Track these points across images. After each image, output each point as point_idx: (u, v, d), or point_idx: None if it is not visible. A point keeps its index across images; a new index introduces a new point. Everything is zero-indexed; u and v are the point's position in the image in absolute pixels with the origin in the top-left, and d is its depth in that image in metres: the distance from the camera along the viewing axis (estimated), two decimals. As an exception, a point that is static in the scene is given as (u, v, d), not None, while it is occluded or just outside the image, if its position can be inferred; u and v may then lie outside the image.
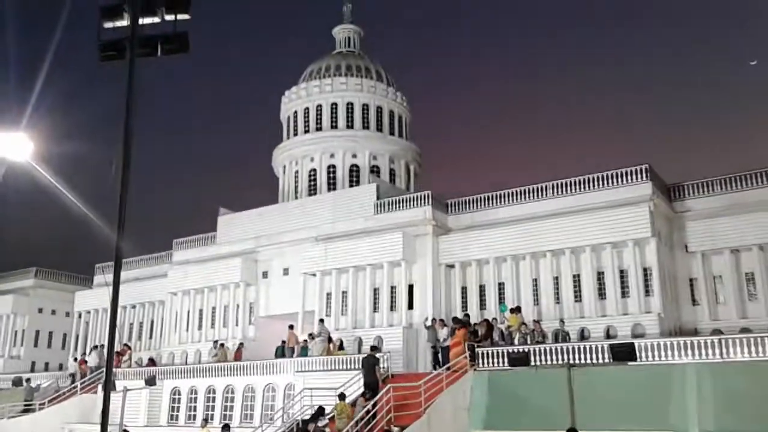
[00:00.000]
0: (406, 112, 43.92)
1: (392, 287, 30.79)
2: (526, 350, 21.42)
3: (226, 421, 24.78)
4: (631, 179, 27.61)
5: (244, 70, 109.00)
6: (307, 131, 41.71)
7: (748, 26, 79.64)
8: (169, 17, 10.76)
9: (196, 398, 30.15)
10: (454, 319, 26.32)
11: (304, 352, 28.60)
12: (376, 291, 31.22)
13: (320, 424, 19.17)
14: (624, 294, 26.66)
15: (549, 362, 21.06)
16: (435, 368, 23.37)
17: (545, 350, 21.67)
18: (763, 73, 79.46)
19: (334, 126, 41.24)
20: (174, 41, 10.83)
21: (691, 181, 28.92)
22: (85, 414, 30.08)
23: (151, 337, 40.27)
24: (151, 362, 35.13)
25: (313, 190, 39.80)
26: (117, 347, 32.98)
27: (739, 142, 79.85)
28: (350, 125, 41.29)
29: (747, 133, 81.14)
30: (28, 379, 34.03)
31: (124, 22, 10.81)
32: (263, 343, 32.65)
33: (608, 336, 25.37)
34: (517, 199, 30.36)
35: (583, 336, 25.93)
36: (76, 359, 37.88)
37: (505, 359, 21.43)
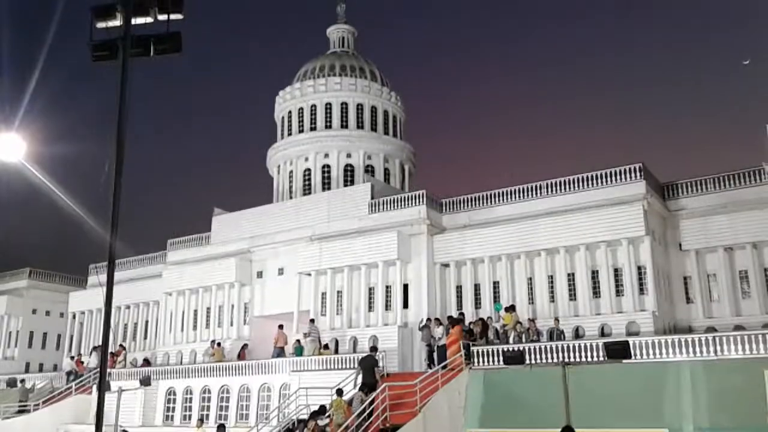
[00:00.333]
0: (400, 111, 43.96)
1: (387, 286, 30.81)
2: (521, 349, 21.48)
3: (222, 421, 24.73)
4: (625, 178, 27.68)
5: (239, 70, 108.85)
6: (301, 131, 41.70)
7: (743, 26, 79.96)
8: (162, 17, 10.73)
9: (191, 398, 30.12)
10: (449, 317, 26.38)
11: (299, 351, 28.64)
12: (371, 290, 31.23)
13: (321, 422, 19.17)
14: (618, 292, 26.73)
15: (544, 361, 21.13)
16: (430, 367, 23.39)
17: (540, 349, 21.73)
18: (755, 72, 79.79)
19: (328, 126, 41.25)
20: (167, 41, 10.80)
21: (685, 180, 29.01)
22: (80, 414, 30.00)
23: (146, 338, 40.17)
24: (146, 362, 35.05)
25: (307, 190, 39.79)
26: (112, 348, 32.99)
27: (733, 140, 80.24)
28: (345, 125, 41.31)
29: (741, 132, 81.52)
30: (22, 380, 33.91)
31: (117, 23, 10.77)
32: (258, 343, 32.62)
33: (603, 334, 25.44)
34: (511, 198, 30.40)
35: (577, 334, 26.01)
36: (72, 357, 37.80)
37: (501, 358, 21.47)
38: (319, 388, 22.48)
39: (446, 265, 30.65)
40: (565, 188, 29.06)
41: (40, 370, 44.35)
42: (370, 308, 31.01)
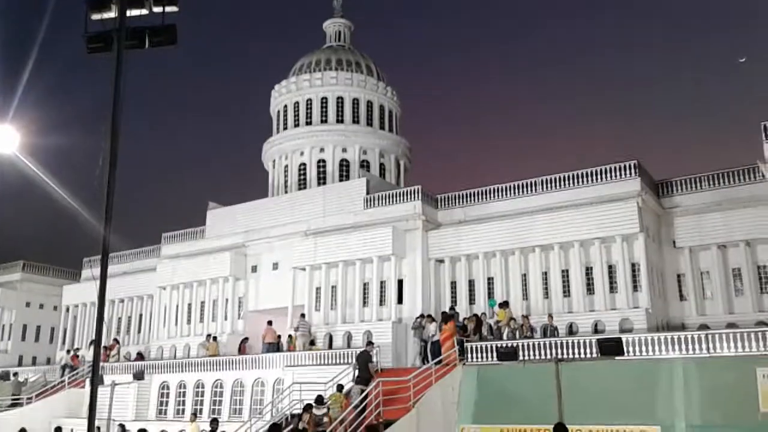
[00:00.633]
0: (396, 106, 43.89)
1: (382, 282, 30.81)
2: (515, 345, 21.51)
3: (215, 416, 24.68)
4: (620, 175, 27.72)
5: (235, 64, 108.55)
6: (297, 125, 41.61)
7: (742, 26, 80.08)
8: (157, 9, 10.68)
9: (184, 392, 30.11)
10: (443, 313, 26.38)
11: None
12: (365, 285, 31.23)
13: (318, 412, 19.18)
14: (612, 289, 26.81)
15: (537, 357, 21.16)
16: (424, 363, 23.41)
17: (533, 345, 21.76)
18: (752, 71, 79.94)
19: (324, 120, 41.16)
20: (162, 33, 10.75)
21: (680, 177, 29.08)
22: (73, 408, 29.95)
23: (139, 332, 40.09)
24: (140, 356, 35.00)
25: (303, 185, 39.73)
26: (105, 342, 32.91)
27: (730, 139, 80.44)
28: (340, 120, 41.22)
29: (737, 131, 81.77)
30: (15, 373, 33.82)
31: (112, 14, 10.71)
32: (252, 337, 32.58)
33: (596, 331, 25.53)
34: (506, 194, 30.43)
35: (571, 331, 26.08)
36: (69, 351, 37.70)
37: (494, 354, 21.51)
38: (313, 383, 22.47)
39: (441, 261, 30.68)
40: (560, 185, 29.10)
41: (34, 363, 44.25)
42: (365, 303, 31.03)
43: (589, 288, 27.26)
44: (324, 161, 40.22)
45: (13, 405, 30.60)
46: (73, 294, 42.74)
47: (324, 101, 41.44)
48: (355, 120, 41.41)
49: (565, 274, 27.83)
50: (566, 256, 27.90)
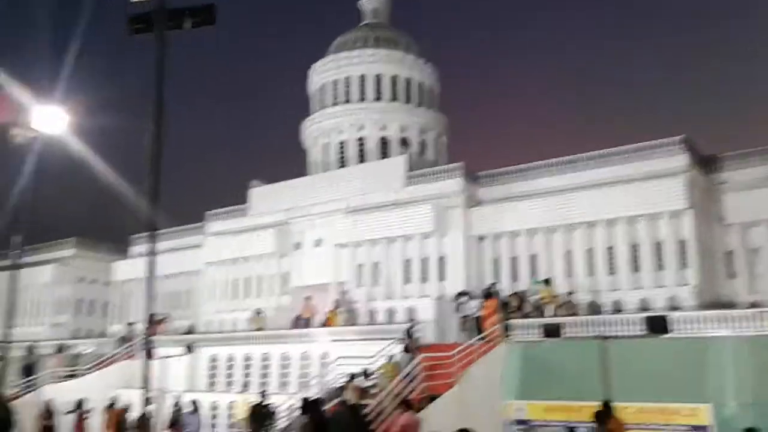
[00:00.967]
0: (435, 83, 43.54)
1: (424, 259, 30.94)
2: (559, 322, 21.44)
3: (263, 388, 25.29)
4: (668, 150, 27.16)
5: (274, 43, 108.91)
6: (336, 104, 41.64)
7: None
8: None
9: (233, 365, 30.83)
10: (484, 291, 26.40)
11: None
12: (407, 262, 31.40)
13: (366, 383, 19.57)
14: (659, 266, 26.43)
15: (582, 334, 21.06)
16: (467, 339, 23.49)
17: (578, 322, 21.65)
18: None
19: (362, 98, 41.08)
20: (201, 14, 10.95)
21: (729, 153, 28.32)
22: (127, 379, 30.90)
23: (188, 306, 41.10)
24: (189, 331, 35.89)
25: (342, 163, 39.87)
26: (155, 316, 33.83)
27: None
28: (379, 97, 41.10)
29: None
30: (71, 346, 35.02)
31: (153, -5, 10.93)
32: (297, 312, 33.08)
33: (642, 308, 25.23)
34: (550, 171, 30.12)
35: (617, 308, 25.83)
36: (130, 324, 38.90)
37: (538, 331, 21.48)
38: (357, 358, 22.81)
39: (483, 238, 30.60)
40: (605, 161, 28.64)
41: (88, 336, 45.75)
42: (407, 280, 31.22)
43: (635, 265, 26.92)
44: (363, 139, 40.25)
45: (70, 376, 31.77)
46: (123, 270, 43.93)
47: (362, 79, 41.34)
48: (395, 97, 41.24)
49: (611, 251, 27.51)
50: (612, 233, 27.56)
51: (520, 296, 25.36)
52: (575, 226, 28.20)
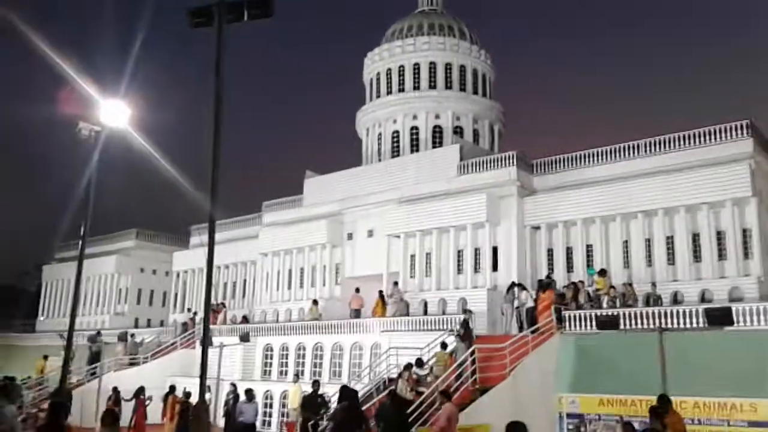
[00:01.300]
0: (489, 70, 43.00)
1: (476, 249, 30.67)
2: (616, 313, 20.94)
3: (316, 378, 25.64)
4: (731, 136, 26.07)
5: (328, 33, 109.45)
6: (389, 93, 41.61)
7: None
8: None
9: (287, 354, 31.31)
10: (539, 281, 26.00)
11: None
12: (460, 253, 31.19)
13: (421, 372, 19.63)
14: (721, 256, 25.45)
15: (639, 326, 20.52)
16: (520, 330, 23.27)
17: (635, 314, 21.11)
18: None
19: (416, 87, 40.95)
20: (259, 6, 11.10)
21: (799, 137, 26.98)
22: (185, 367, 31.85)
23: (244, 296, 41.96)
24: (245, 320, 36.68)
25: (396, 152, 39.88)
26: (213, 306, 34.65)
27: None
28: (433, 85, 40.87)
29: None
30: (132, 334, 36.22)
31: (212, -11, 11.11)
32: (347, 303, 33.36)
33: (703, 300, 24.37)
34: (606, 158, 29.33)
35: (676, 300, 25.03)
36: (189, 310, 40.08)
37: (593, 322, 21.04)
38: (409, 348, 22.85)
39: (537, 228, 30.11)
40: (665, 147, 27.72)
41: (148, 325, 47.28)
42: (459, 271, 31.03)
43: (696, 255, 26.00)
44: (417, 128, 40.13)
45: (131, 364, 32.89)
46: (182, 260, 45.12)
47: (416, 67, 41.19)
48: (448, 85, 40.94)
49: (670, 241, 26.66)
50: (671, 222, 26.68)
51: (576, 287, 24.91)
52: (633, 214, 27.40)
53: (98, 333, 34.51)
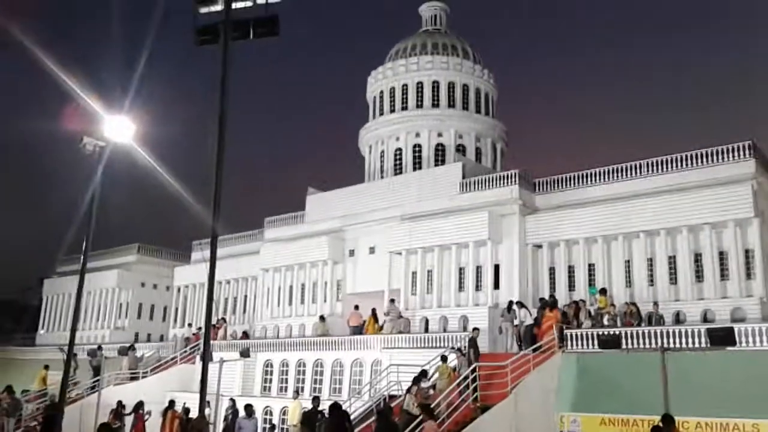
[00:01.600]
0: (492, 89, 43.25)
1: (478, 267, 30.65)
2: (618, 333, 20.89)
3: (316, 394, 25.52)
4: (733, 156, 26.12)
5: (332, 51, 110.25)
6: (392, 111, 41.83)
7: None
8: (261, 0, 11.07)
9: (287, 371, 31.20)
10: (542, 299, 25.97)
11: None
12: (461, 270, 31.17)
13: (425, 385, 19.53)
14: (723, 277, 25.40)
15: (641, 346, 20.46)
16: (520, 348, 23.22)
17: (637, 333, 21.04)
18: None
19: (419, 105, 41.17)
20: (265, 25, 11.20)
21: (801, 158, 27.02)
22: (185, 382, 31.74)
23: (244, 312, 41.86)
24: (245, 335, 36.54)
25: (398, 170, 39.99)
26: (213, 321, 34.55)
27: None
28: (436, 104, 41.10)
29: None
30: (133, 348, 36.02)
31: (218, 7, 11.22)
32: (346, 320, 33.28)
33: (705, 320, 24.30)
34: (608, 177, 29.38)
35: (678, 320, 24.97)
36: (190, 325, 40.00)
37: (595, 341, 20.99)
38: (409, 366, 22.76)
39: (539, 246, 30.11)
40: (667, 167, 27.78)
41: (148, 340, 47.11)
42: (461, 288, 30.99)
43: (698, 275, 25.96)
44: (419, 146, 40.30)
45: (132, 378, 32.75)
46: (183, 275, 45.10)
47: (419, 86, 41.45)
48: (451, 104, 41.16)
49: (672, 261, 26.63)
50: (673, 242, 26.68)
51: (577, 305, 24.87)
52: (635, 234, 27.40)
53: (99, 347, 34.39)
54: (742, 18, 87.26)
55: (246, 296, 42.10)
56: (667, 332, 20.55)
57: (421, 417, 15.85)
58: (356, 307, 31.48)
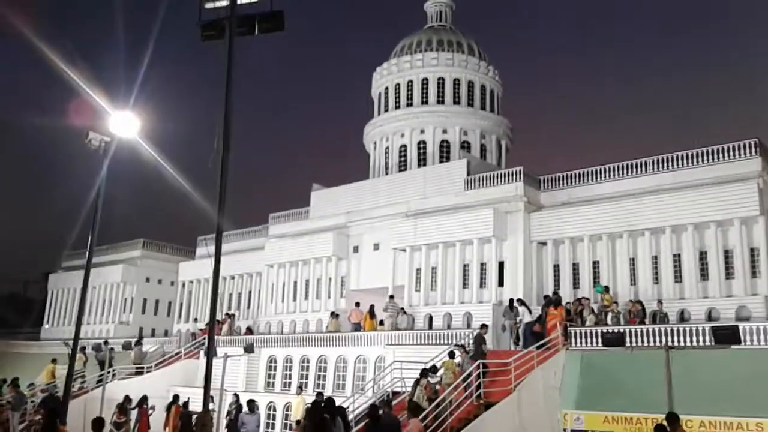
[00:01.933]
0: (497, 86, 43.17)
1: (482, 264, 30.60)
2: (622, 331, 20.85)
3: (319, 390, 25.55)
4: (739, 154, 26.02)
5: (338, 47, 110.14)
6: (397, 107, 41.82)
7: None
8: (265, -4, 11.04)
9: (291, 366, 31.25)
10: (545, 297, 25.92)
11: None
12: (465, 267, 31.13)
13: (432, 380, 19.52)
14: (728, 275, 25.32)
15: (646, 344, 20.41)
16: (518, 345, 23.22)
17: (642, 331, 20.99)
18: None
19: (424, 101, 41.14)
20: (270, 20, 11.17)
21: (806, 156, 26.88)
22: (189, 377, 31.81)
23: (249, 307, 41.94)
24: (249, 331, 36.59)
25: (403, 166, 39.97)
26: (219, 316, 34.62)
27: None
28: (441, 100, 41.05)
29: None
30: (138, 342, 36.06)
31: (224, 3, 11.21)
32: (348, 316, 33.29)
33: (710, 318, 24.23)
34: (614, 175, 29.32)
35: (682, 318, 24.90)
36: (196, 320, 40.09)
37: (599, 339, 20.94)
38: (413, 362, 22.74)
39: (543, 244, 30.05)
40: (672, 165, 27.69)
41: (152, 334, 47.27)
42: (465, 285, 30.96)
43: (703, 273, 25.89)
44: (424, 143, 40.27)
45: (137, 373, 32.81)
46: (188, 270, 45.19)
47: (425, 82, 41.40)
48: (456, 100, 41.11)
49: (677, 259, 26.56)
50: (678, 240, 26.60)
51: (581, 303, 24.84)
52: (640, 232, 27.33)
53: (105, 342, 34.45)
54: (742, 18, 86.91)
55: (250, 292, 42.18)
56: (672, 330, 20.50)
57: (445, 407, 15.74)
58: (357, 304, 31.48)
